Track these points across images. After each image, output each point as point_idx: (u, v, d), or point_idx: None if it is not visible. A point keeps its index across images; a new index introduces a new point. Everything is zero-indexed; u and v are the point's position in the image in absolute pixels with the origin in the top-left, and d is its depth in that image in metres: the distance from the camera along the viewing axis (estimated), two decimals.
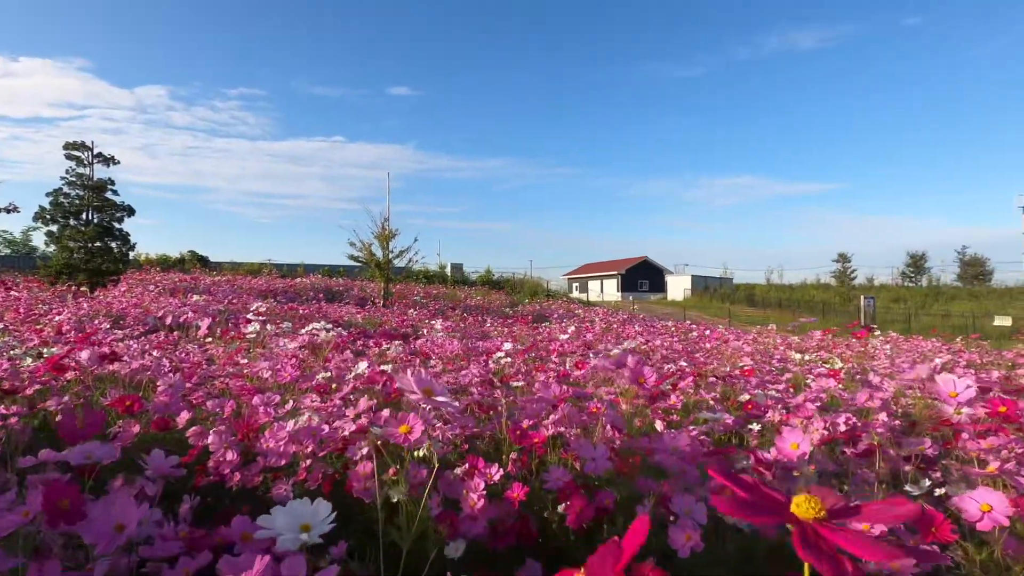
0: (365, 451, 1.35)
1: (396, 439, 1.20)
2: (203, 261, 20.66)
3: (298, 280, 14.02)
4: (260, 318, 2.93)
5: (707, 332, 6.23)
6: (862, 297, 19.26)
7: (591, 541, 1.13)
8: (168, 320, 3.97)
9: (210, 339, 4.02)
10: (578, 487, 1.11)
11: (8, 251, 22.51)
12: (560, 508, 1.10)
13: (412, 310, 8.30)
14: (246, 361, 2.32)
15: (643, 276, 42.95)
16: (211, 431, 1.50)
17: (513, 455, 1.27)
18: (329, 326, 2.23)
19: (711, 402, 1.61)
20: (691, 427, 1.40)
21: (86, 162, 9.36)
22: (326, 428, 1.40)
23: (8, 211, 5.45)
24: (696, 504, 0.94)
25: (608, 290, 41.10)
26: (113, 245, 9.30)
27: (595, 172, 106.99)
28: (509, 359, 2.61)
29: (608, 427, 1.35)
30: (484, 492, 1.12)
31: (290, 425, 1.41)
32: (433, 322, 5.57)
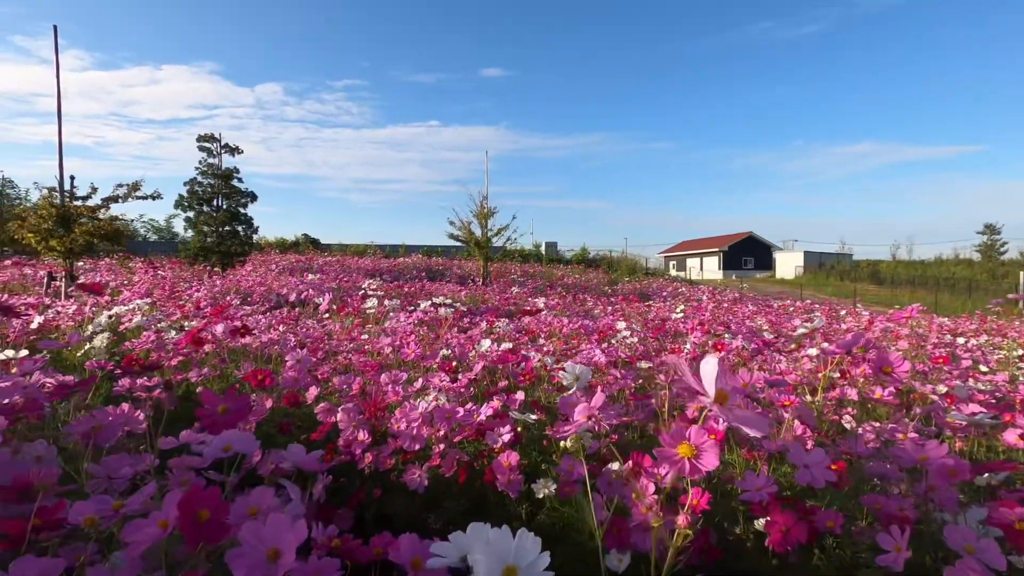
0: (507, 438, 1.20)
1: (559, 433, 1.03)
2: (315, 243, 22.13)
3: (400, 260, 14.55)
4: (378, 293, 2.92)
5: (843, 313, 5.56)
6: (1022, 273, 16.62)
7: (796, 569, 0.90)
8: (292, 297, 4.14)
9: (328, 315, 4.15)
10: (779, 500, 0.89)
11: (155, 237, 25.51)
12: (759, 524, 0.88)
13: (514, 288, 8.24)
14: (366, 337, 2.28)
15: (747, 253, 40.29)
16: (339, 408, 1.44)
17: None
18: (448, 301, 2.13)
19: (934, 398, 1.29)
20: (908, 429, 1.10)
21: (215, 152, 10.20)
22: (460, 411, 1.27)
23: (153, 198, 6.03)
24: (983, 541, 0.68)
25: (709, 268, 39.01)
26: (239, 229, 10.10)
27: (693, 145, 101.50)
28: (634, 339, 2.38)
29: (796, 424, 1.10)
30: (657, 498, 0.93)
31: (421, 406, 1.30)
32: (536, 300, 5.43)
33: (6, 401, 0.89)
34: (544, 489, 1.14)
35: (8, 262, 5.90)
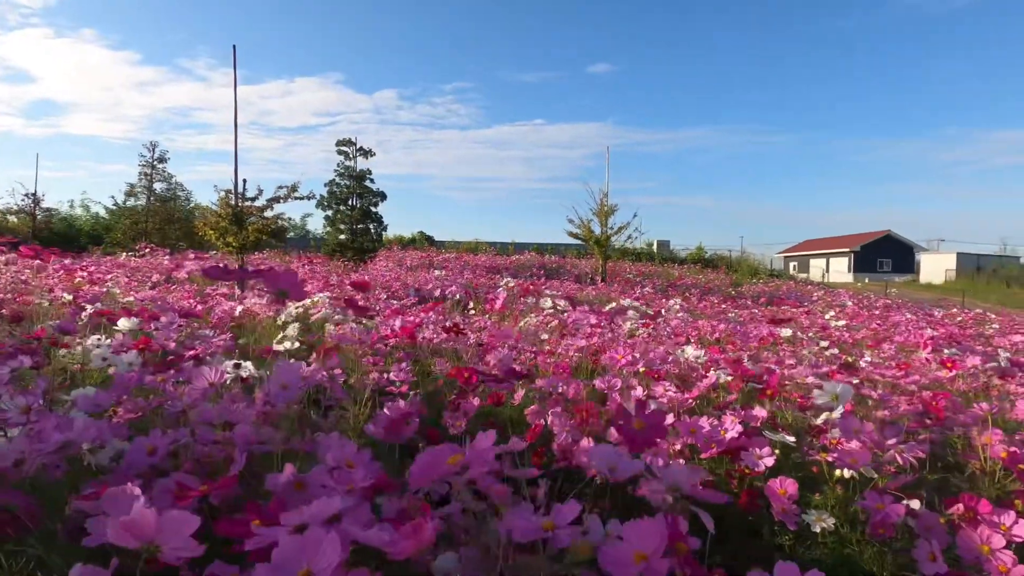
0: (768, 461, 1.10)
1: (845, 462, 0.91)
2: (430, 240, 23.19)
3: (514, 257, 14.79)
4: (555, 292, 2.92)
5: None
6: None
7: None
8: (437, 292, 4.30)
9: (472, 310, 4.26)
10: None
11: (291, 234, 28.16)
12: None
13: (641, 287, 8.03)
14: (547, 336, 2.28)
15: (884, 254, 36.26)
16: (549, 412, 1.42)
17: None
18: (636, 304, 2.06)
19: None
20: None
21: (351, 155, 10.99)
22: (705, 426, 1.19)
23: (308, 198, 6.63)
24: None
25: (837, 270, 35.58)
26: (371, 226, 10.82)
27: (817, 137, 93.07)
28: (833, 349, 2.15)
29: None
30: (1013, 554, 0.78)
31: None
32: (670, 302, 5.21)
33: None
34: (820, 523, 1.02)
35: (191, 255, 6.80)
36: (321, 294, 3.22)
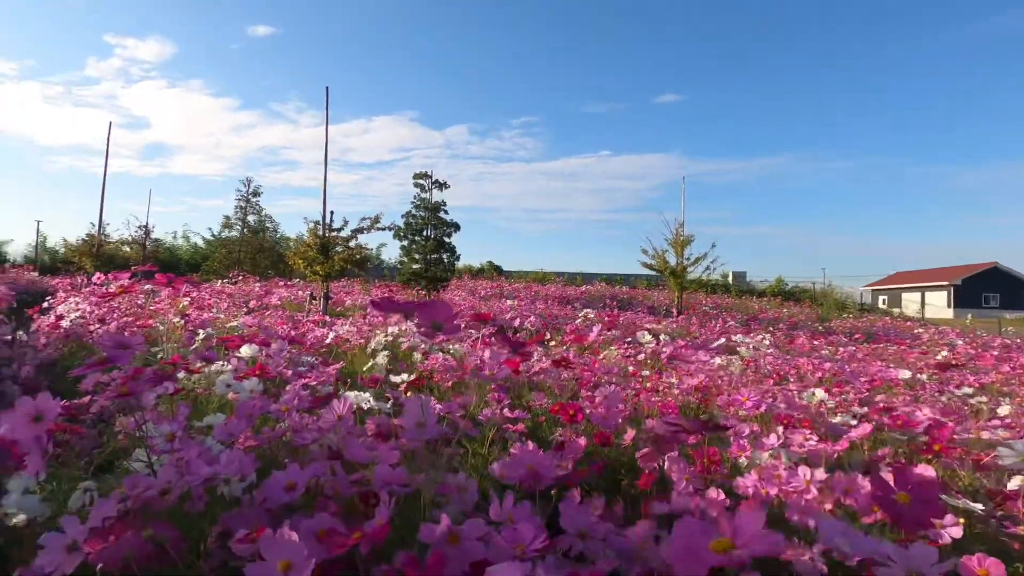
0: (956, 532, 0.94)
1: None
2: (498, 270, 23.45)
3: (583, 288, 14.63)
4: (654, 325, 2.81)
5: None
6: None
7: None
8: (517, 322, 4.27)
9: (552, 341, 4.17)
10: None
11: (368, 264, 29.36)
12: None
13: (721, 321, 7.66)
14: (648, 373, 2.16)
15: (990, 288, 33.01)
16: (663, 457, 1.30)
17: None
18: (747, 340, 1.91)
19: None
20: None
21: (427, 188, 11.37)
22: (863, 484, 1.04)
23: (389, 229, 6.87)
24: None
25: (934, 304, 32.65)
26: (444, 256, 11.06)
27: (906, 162, 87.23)
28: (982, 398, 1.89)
29: None
30: None
31: (807, 472, 1.09)
32: (760, 336, 4.89)
33: None
34: None
35: (282, 283, 7.21)
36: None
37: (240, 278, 9.44)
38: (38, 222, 24.93)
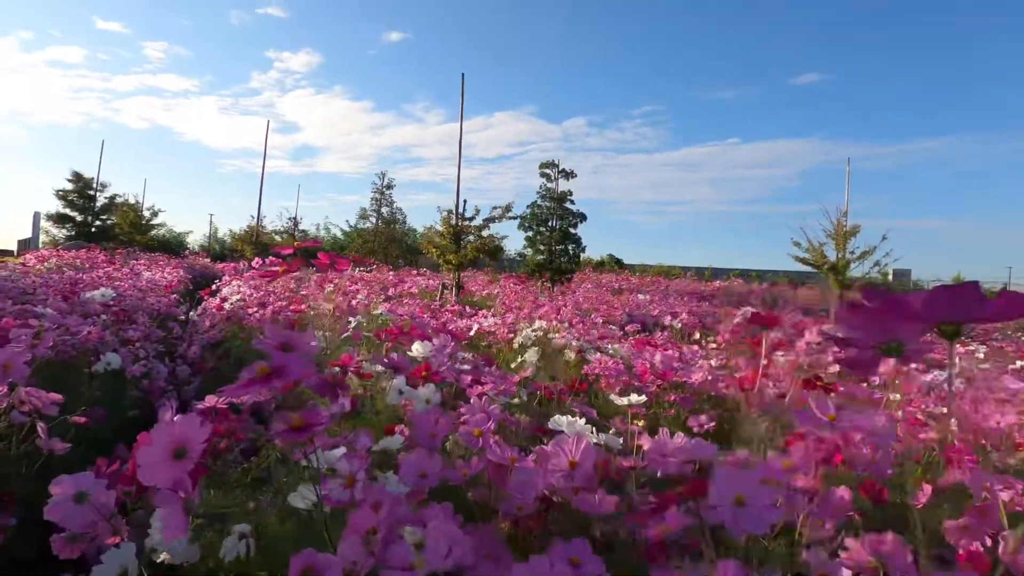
0: None
1: None
2: (619, 263, 22.67)
3: (717, 283, 13.54)
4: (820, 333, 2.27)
5: None
6: None
7: None
8: (666, 320, 3.81)
9: (712, 344, 3.68)
10: None
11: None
12: None
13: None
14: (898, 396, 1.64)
15: None
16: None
17: None
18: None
19: None
20: None
21: (552, 177, 11.09)
22: None
23: (520, 217, 6.67)
24: None
25: None
26: (570, 247, 10.74)
27: None
28: None
29: None
30: None
31: None
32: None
33: None
34: None
35: (415, 273, 7.37)
36: (564, 317, 2.99)
37: (374, 266, 9.86)
38: (211, 215, 28.74)
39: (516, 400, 1.21)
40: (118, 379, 1.78)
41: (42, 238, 14.39)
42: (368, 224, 18.72)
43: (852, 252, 8.16)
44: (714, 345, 3.56)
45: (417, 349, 1.05)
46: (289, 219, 16.22)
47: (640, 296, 8.06)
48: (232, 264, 10.52)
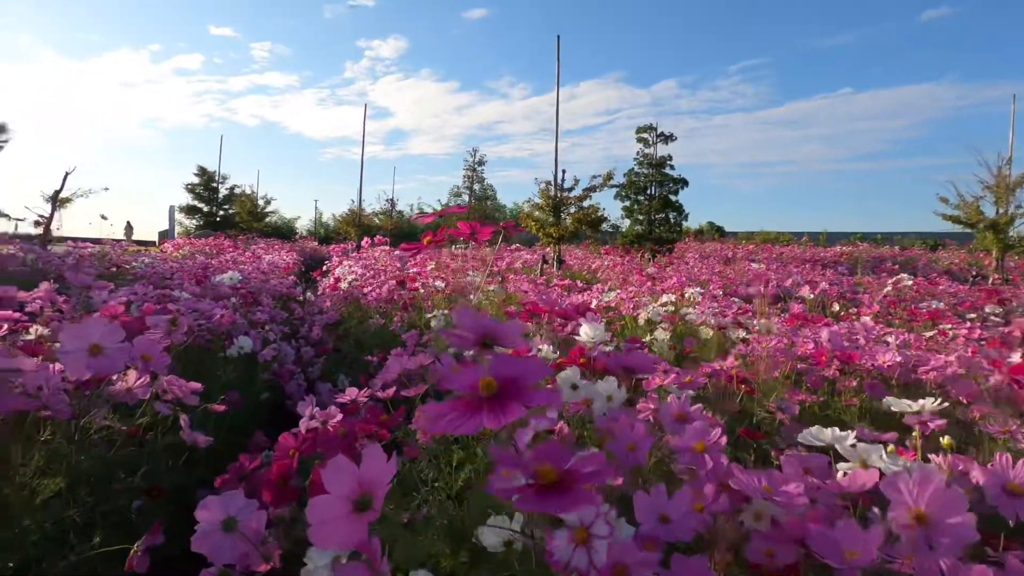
0: None
1: None
2: (720, 231, 21.29)
3: (838, 248, 12.24)
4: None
5: None
6: None
7: None
8: (804, 291, 3.37)
9: (843, 312, 3.23)
10: None
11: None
12: None
13: None
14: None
15: None
16: None
17: None
18: None
19: None
20: None
21: (651, 142, 10.45)
22: None
23: (622, 186, 6.29)
24: None
25: None
26: (671, 215, 10.11)
27: None
28: None
29: None
30: None
31: None
32: None
33: None
34: None
35: (510, 248, 7.28)
36: (692, 289, 2.69)
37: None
38: (316, 201, 30.62)
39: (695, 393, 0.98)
40: (250, 362, 1.78)
41: (177, 229, 15.99)
42: (460, 201, 18.94)
43: (1019, 206, 6.91)
44: (866, 318, 3.11)
45: (586, 332, 0.86)
46: (386, 200, 16.79)
47: (754, 265, 7.41)
48: (337, 246, 11.08)
